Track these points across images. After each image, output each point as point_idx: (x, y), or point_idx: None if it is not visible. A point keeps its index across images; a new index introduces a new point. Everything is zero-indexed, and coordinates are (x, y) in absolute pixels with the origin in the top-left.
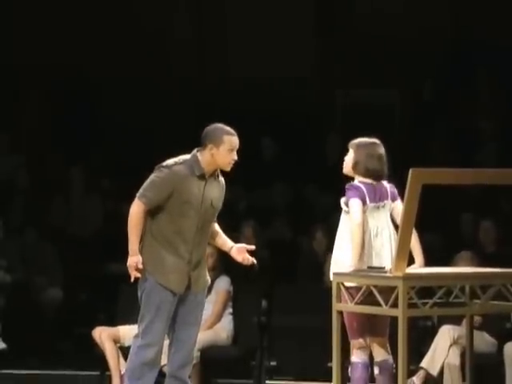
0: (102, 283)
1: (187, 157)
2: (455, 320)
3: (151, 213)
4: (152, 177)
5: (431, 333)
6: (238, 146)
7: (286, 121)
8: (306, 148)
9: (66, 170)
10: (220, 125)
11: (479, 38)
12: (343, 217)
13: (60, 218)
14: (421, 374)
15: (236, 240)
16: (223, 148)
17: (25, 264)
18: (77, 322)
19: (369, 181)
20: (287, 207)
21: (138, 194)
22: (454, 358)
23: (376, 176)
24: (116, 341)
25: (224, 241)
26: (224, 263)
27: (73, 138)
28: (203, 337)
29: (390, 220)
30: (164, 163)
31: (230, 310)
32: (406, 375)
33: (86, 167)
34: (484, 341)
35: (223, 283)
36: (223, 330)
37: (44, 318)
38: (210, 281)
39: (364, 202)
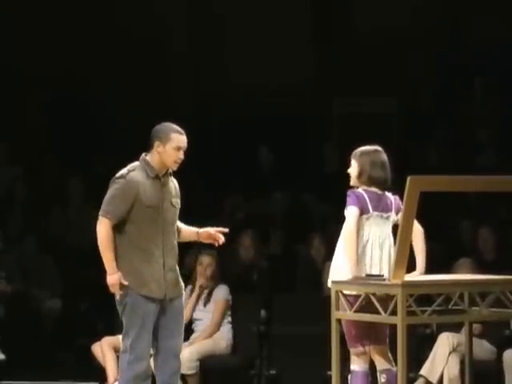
0: (101, 293)
1: (137, 163)
2: (454, 327)
3: (117, 227)
4: (110, 191)
5: (430, 340)
6: (185, 146)
7: (284, 130)
8: (303, 157)
9: (65, 180)
10: (168, 123)
11: (476, 45)
12: (345, 223)
13: (59, 229)
14: (420, 381)
15: (234, 250)
16: (170, 146)
17: (24, 275)
18: (76, 333)
19: (373, 189)
20: (285, 216)
21: (100, 213)
22: (454, 366)
23: (381, 184)
24: (116, 350)
25: (188, 231)
26: (222, 272)
27: (72, 148)
28: (202, 346)
29: (391, 232)
30: (117, 174)
31: (229, 319)
32: (406, 383)
33: (84, 177)
34: (483, 348)
35: (222, 292)
36: (222, 339)
37: (43, 328)
38: (183, 286)
39: (366, 211)
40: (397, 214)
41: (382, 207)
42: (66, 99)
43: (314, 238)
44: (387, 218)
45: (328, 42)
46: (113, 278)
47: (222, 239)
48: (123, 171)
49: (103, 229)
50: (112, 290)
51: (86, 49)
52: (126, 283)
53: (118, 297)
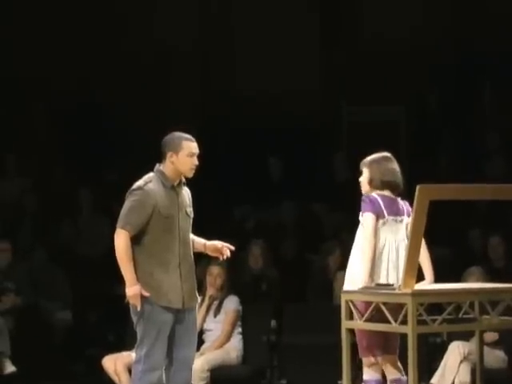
0: (111, 304)
1: (152, 174)
2: (465, 336)
3: (135, 238)
4: (128, 203)
5: (441, 349)
6: (197, 152)
7: (293, 139)
8: (313, 166)
9: (74, 191)
10: (176, 132)
11: (483, 50)
12: (359, 230)
13: (69, 240)
14: None
15: (244, 259)
16: (182, 154)
17: (34, 286)
18: (87, 344)
19: (386, 193)
20: (296, 225)
21: (118, 225)
22: (465, 375)
23: (393, 187)
24: (130, 368)
25: (197, 243)
26: (232, 282)
27: (80, 159)
28: (213, 357)
29: (406, 236)
30: (134, 186)
31: (240, 329)
32: None
33: (94, 188)
34: (494, 356)
35: (232, 303)
36: (233, 349)
37: (54, 340)
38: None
39: (381, 216)
40: (408, 217)
41: (396, 211)
42: (75, 110)
43: (327, 248)
44: (401, 221)
45: (336, 52)
46: (133, 290)
47: (227, 254)
48: (140, 183)
49: (122, 240)
50: (132, 301)
51: (95, 60)
52: (147, 294)
53: (138, 308)
